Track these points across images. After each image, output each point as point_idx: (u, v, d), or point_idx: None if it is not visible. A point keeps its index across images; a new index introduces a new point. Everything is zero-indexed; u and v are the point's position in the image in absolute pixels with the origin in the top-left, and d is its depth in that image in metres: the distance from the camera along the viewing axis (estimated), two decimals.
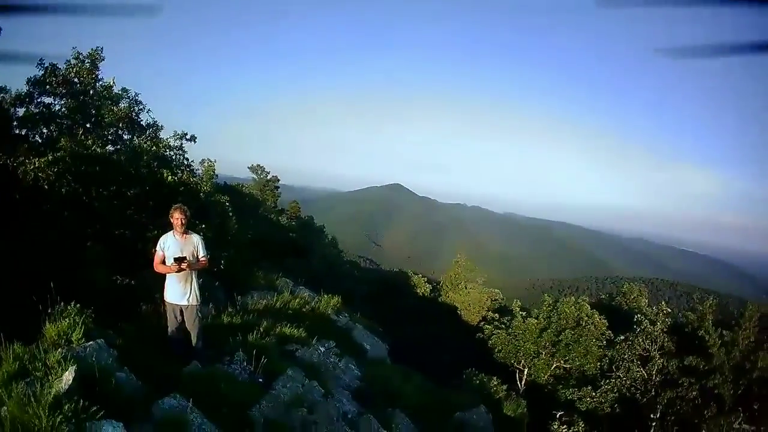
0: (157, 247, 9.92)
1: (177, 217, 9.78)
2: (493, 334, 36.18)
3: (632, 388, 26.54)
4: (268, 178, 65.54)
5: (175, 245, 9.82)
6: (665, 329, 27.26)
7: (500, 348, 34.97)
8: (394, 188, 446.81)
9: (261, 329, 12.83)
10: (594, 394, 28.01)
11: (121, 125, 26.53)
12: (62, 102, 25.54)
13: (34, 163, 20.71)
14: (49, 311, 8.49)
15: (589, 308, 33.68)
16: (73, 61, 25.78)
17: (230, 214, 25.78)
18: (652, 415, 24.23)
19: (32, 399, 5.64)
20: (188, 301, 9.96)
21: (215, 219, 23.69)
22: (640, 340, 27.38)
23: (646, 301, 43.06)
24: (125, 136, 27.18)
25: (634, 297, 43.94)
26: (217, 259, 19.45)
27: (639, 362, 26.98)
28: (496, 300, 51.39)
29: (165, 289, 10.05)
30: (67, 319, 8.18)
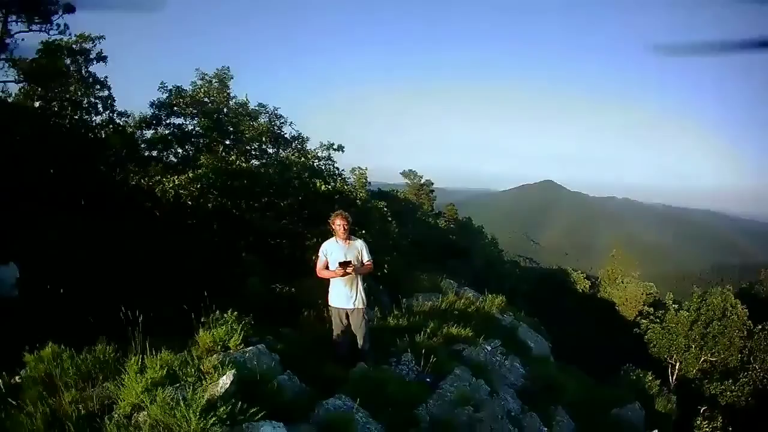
0: (320, 253, 9.74)
1: (339, 224, 9.48)
2: (649, 328, 35.28)
3: (764, 380, 26.47)
4: (422, 182, 64.98)
5: (339, 250, 9.51)
6: None
7: (655, 342, 34.02)
8: (546, 185, 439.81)
9: (428, 330, 12.38)
10: (733, 387, 27.34)
11: (264, 140, 26.49)
12: (194, 122, 25.88)
13: (173, 181, 20.84)
14: (203, 320, 8.30)
15: (733, 298, 32.38)
16: (199, 82, 26.15)
17: (389, 218, 25.15)
18: None
19: (181, 403, 5.20)
20: (354, 304, 9.64)
21: (375, 225, 23.36)
22: None
23: None
24: (270, 150, 27.28)
25: None
26: (380, 263, 18.97)
27: None
28: (650, 294, 48.26)
29: (329, 294, 9.83)
30: (223, 327, 7.89)
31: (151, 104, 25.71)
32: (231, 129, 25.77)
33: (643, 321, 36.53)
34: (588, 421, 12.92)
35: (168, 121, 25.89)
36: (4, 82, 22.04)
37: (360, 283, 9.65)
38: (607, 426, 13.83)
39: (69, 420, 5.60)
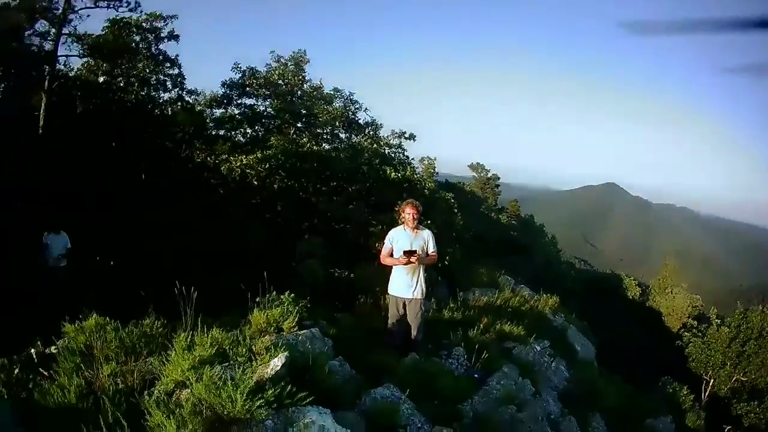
0: (386, 240, 9.54)
1: (409, 212, 9.30)
2: (690, 342, 33.70)
3: None
4: (489, 176, 64.75)
5: (405, 239, 9.33)
6: None
7: (694, 357, 32.50)
8: (609, 187, 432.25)
9: (480, 326, 12.11)
10: (757, 409, 26.23)
11: (337, 124, 26.47)
12: (266, 103, 25.93)
13: (241, 160, 21.01)
14: (258, 300, 8.09)
15: None
16: (274, 64, 26.19)
17: (455, 211, 24.93)
18: None
19: (228, 383, 4.98)
20: (413, 294, 9.43)
21: (440, 216, 23.03)
22: None
23: None
24: (342, 135, 27.21)
25: None
26: (442, 255, 18.30)
27: None
28: (696, 306, 46.14)
29: (390, 282, 9.65)
30: (279, 308, 7.73)
31: (223, 84, 25.85)
32: (304, 112, 25.78)
33: (686, 334, 35.68)
34: (621, 429, 12.77)
35: (239, 101, 26.04)
36: (67, 56, 21.93)
37: (422, 274, 9.47)
38: None
39: (105, 394, 5.48)
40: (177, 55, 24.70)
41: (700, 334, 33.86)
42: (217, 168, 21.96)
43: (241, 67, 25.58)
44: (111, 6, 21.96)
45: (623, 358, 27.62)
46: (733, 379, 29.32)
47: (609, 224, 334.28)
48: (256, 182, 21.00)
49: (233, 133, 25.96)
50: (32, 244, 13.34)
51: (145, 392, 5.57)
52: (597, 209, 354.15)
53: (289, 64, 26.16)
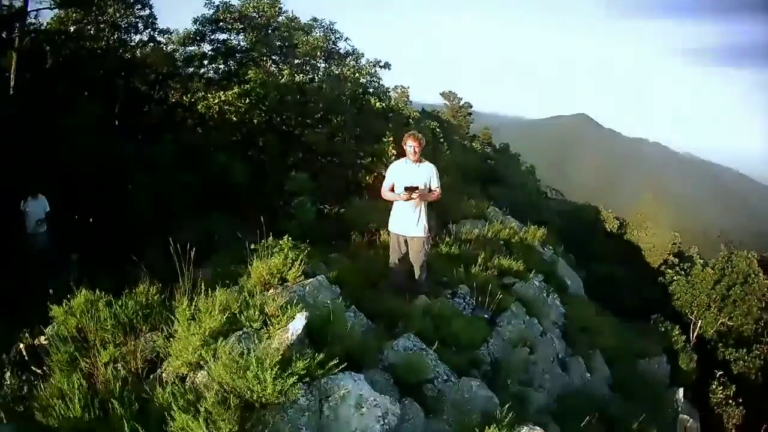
0: (387, 174, 9.23)
1: (411, 144, 8.81)
2: (674, 279, 33.14)
3: None
4: (461, 104, 63.96)
5: (407, 173, 8.87)
6: None
7: (678, 295, 32.19)
8: (579, 118, 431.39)
9: (480, 261, 11.69)
10: (746, 357, 26.40)
11: (318, 54, 25.34)
12: (240, 37, 24.75)
13: (219, 96, 19.97)
14: (253, 246, 7.35)
15: (756, 264, 30.72)
16: None
17: (441, 140, 24.28)
18: None
19: (252, 360, 4.21)
20: (416, 231, 8.97)
21: (427, 146, 21.38)
22: None
23: None
24: (320, 65, 26.09)
25: None
26: None
27: None
28: (675, 243, 45.26)
29: (391, 218, 9.24)
30: (280, 255, 6.98)
31: (194, 20, 24.41)
32: (281, 43, 24.75)
33: (669, 271, 34.65)
34: (620, 369, 12.72)
35: (212, 37, 24.76)
36: (38, 9, 20.07)
37: (424, 210, 8.94)
38: (635, 377, 13.34)
39: (108, 388, 4.58)
40: None
41: (682, 272, 33.33)
42: (193, 106, 21.02)
43: (214, 2, 24.19)
44: None
45: (608, 292, 27.91)
46: (719, 322, 29.74)
47: (581, 155, 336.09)
48: (235, 118, 20.13)
49: (207, 69, 24.87)
50: (11, 212, 12.48)
51: (153, 376, 4.84)
52: (568, 139, 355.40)
53: None
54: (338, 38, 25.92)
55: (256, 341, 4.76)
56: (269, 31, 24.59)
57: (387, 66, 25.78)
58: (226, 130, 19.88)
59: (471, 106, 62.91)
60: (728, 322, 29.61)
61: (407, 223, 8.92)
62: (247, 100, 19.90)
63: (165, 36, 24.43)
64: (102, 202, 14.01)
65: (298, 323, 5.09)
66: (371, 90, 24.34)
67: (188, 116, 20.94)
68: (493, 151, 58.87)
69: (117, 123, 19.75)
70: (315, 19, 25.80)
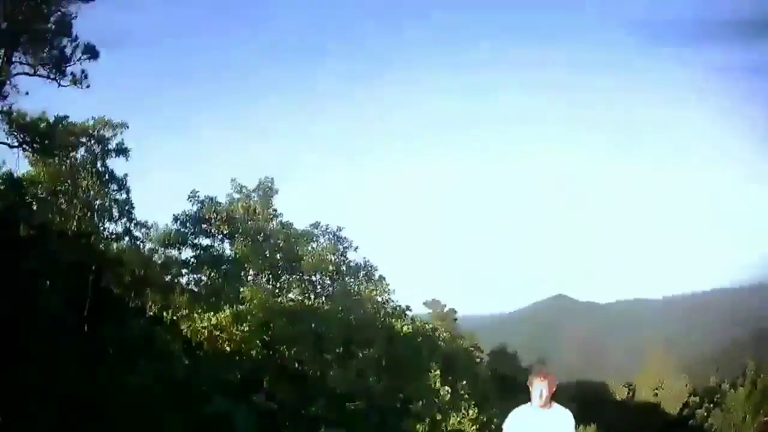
0: (505, 427, 5.62)
1: (539, 386, 5.47)
2: (709, 415, 36.68)
3: None
4: (445, 311, 61.69)
5: (531, 422, 5.59)
6: None
7: (716, 426, 35.34)
8: (558, 300, 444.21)
9: None
10: None
11: (329, 268, 22.58)
12: (226, 244, 22.59)
13: (208, 319, 16.93)
14: None
15: None
16: (236, 195, 22.60)
17: (477, 359, 21.41)
18: None
19: None
20: None
21: (468, 371, 20.47)
22: None
23: None
24: (328, 281, 22.99)
25: None
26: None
27: None
28: (687, 386, 47.08)
29: None
30: None
31: (175, 218, 21.79)
32: (280, 254, 22.04)
33: (699, 411, 38.03)
34: None
35: (195, 242, 22.06)
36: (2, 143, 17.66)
37: None
38: None
39: None
40: (126, 176, 20.47)
41: (711, 404, 37.24)
42: (175, 326, 17.52)
43: (199, 197, 21.75)
44: (53, 76, 17.65)
45: None
46: (755, 424, 32.14)
47: (564, 336, 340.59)
48: (228, 348, 16.69)
49: (189, 278, 21.77)
50: None
51: None
52: (550, 325, 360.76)
53: (255, 194, 22.54)
54: (347, 248, 23.17)
55: None
56: (261, 239, 21.98)
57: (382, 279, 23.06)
58: (218, 362, 16.39)
59: (456, 312, 61.54)
60: (764, 418, 31.75)
61: None
62: (245, 327, 16.60)
63: (142, 230, 21.17)
64: None
65: None
66: (389, 310, 21.69)
67: (171, 340, 17.10)
68: (492, 357, 57.29)
69: (86, 328, 15.87)
70: (316, 225, 23.23)
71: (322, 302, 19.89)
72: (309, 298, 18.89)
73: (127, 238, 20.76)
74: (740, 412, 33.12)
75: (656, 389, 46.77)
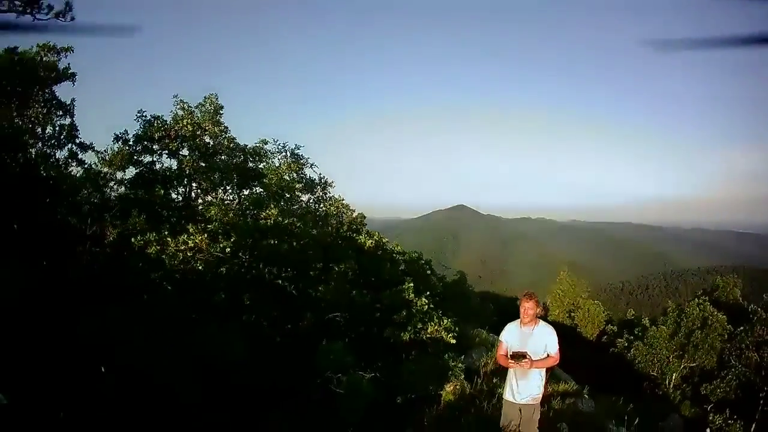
0: (501, 336, 8.73)
1: (526, 306, 8.32)
2: (631, 346, 38.00)
3: (747, 374, 30.09)
4: (355, 215, 61.82)
5: (517, 337, 8.47)
6: None
7: (639, 359, 36.74)
8: (458, 210, 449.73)
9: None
10: (722, 385, 30.59)
11: (296, 186, 22.88)
12: (173, 161, 21.76)
13: (183, 242, 16.53)
14: None
15: (710, 307, 35.27)
16: (180, 113, 21.49)
17: (428, 272, 22.35)
18: (761, 396, 27.67)
19: None
20: (525, 399, 8.57)
21: (422, 280, 21.37)
22: (757, 327, 31.19)
23: (739, 291, 44.28)
24: (302, 198, 23.47)
25: (729, 289, 44.20)
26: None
27: (754, 348, 30.68)
28: (605, 313, 51.31)
29: (505, 385, 8.94)
30: None
31: (116, 137, 20.85)
32: (239, 171, 21.63)
33: (620, 340, 39.75)
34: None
35: (147, 159, 21.25)
36: None
37: (540, 376, 8.61)
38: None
39: None
40: (73, 100, 19.93)
41: (632, 336, 39.24)
42: (142, 252, 16.72)
43: (145, 115, 20.86)
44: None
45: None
46: (682, 367, 34.46)
47: (463, 245, 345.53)
48: (201, 269, 16.40)
49: (147, 198, 20.29)
50: None
51: None
52: (448, 232, 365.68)
53: (206, 105, 21.62)
54: (303, 164, 23.24)
55: None
56: (212, 154, 21.63)
57: (331, 184, 23.82)
58: (199, 286, 16.17)
59: (365, 217, 61.52)
60: (691, 365, 34.49)
61: (516, 389, 8.59)
62: (227, 246, 16.51)
63: (87, 152, 20.43)
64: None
65: None
66: (349, 225, 22.52)
67: (146, 267, 16.41)
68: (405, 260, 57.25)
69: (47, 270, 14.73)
70: (264, 141, 22.85)
71: (294, 221, 19.54)
72: (281, 217, 18.39)
73: (74, 163, 20.02)
74: (664, 351, 34.89)
75: (570, 311, 49.43)
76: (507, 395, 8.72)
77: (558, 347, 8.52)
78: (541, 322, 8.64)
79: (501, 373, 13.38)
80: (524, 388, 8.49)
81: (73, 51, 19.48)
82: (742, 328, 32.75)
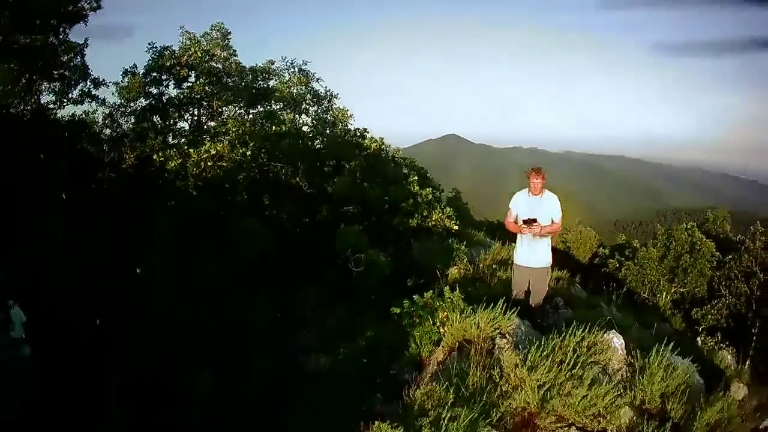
0: (510, 205, 9.53)
1: (535, 182, 9.12)
2: (623, 266, 37.86)
3: (737, 304, 29.85)
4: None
5: (529, 206, 9.15)
6: (763, 246, 30.34)
7: (629, 279, 36.40)
8: (450, 139, 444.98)
9: None
10: (713, 311, 30.58)
11: (306, 98, 23.96)
12: (186, 85, 22.58)
13: (207, 150, 18.15)
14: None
15: (699, 233, 35.97)
16: (186, 42, 22.53)
17: (428, 175, 23.41)
18: (753, 330, 26.94)
19: None
20: (539, 263, 9.33)
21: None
22: (745, 257, 30.79)
23: (729, 226, 44.62)
24: (311, 109, 24.25)
25: (720, 222, 44.74)
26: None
27: (743, 279, 30.22)
28: (597, 237, 49.93)
29: (515, 251, 9.60)
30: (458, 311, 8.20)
31: (125, 72, 21.87)
32: (250, 89, 22.82)
33: (611, 261, 39.58)
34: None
35: (156, 90, 22.36)
36: None
37: (547, 242, 9.39)
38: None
39: None
40: (86, 39, 19.72)
41: (623, 258, 38.84)
42: (165, 165, 18.36)
43: (156, 47, 21.85)
44: None
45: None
46: (672, 291, 33.85)
47: (455, 173, 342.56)
48: (222, 173, 18.06)
49: (159, 122, 22.25)
50: None
51: None
52: (439, 161, 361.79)
53: (213, 33, 22.78)
54: (310, 79, 24.15)
55: None
56: (223, 77, 22.73)
57: (336, 96, 24.48)
58: (221, 189, 17.74)
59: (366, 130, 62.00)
60: (681, 289, 34.25)
61: (530, 254, 9.20)
62: (247, 150, 18.14)
63: (99, 88, 20.89)
64: (109, 295, 10.88)
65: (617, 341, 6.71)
66: (353, 131, 22.80)
67: (177, 177, 18.05)
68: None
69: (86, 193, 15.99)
70: (272, 61, 23.88)
71: (306, 123, 21.82)
72: (294, 125, 20.23)
73: (87, 99, 20.53)
74: (655, 273, 35.39)
75: (564, 239, 47.66)
76: (519, 260, 9.33)
77: (560, 214, 9.32)
78: (547, 192, 9.31)
79: (501, 263, 14.82)
80: (537, 253, 9.19)
81: None
82: (730, 256, 33.04)
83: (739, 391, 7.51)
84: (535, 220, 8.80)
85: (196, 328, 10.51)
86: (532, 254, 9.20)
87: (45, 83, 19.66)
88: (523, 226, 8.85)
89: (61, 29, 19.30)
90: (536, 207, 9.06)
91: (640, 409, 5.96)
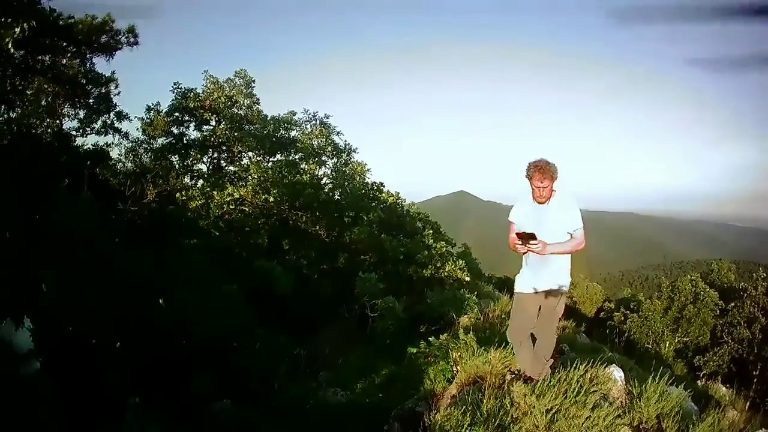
0: (510, 217, 6.85)
1: (540, 186, 6.28)
2: (628, 318, 37.59)
3: (739, 350, 30.67)
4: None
5: (528, 214, 6.54)
6: (765, 291, 31.23)
7: (634, 330, 36.47)
8: (458, 195, 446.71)
9: None
10: (715, 358, 31.06)
11: (327, 150, 24.41)
12: (207, 128, 23.71)
13: (229, 194, 19.06)
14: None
15: (702, 283, 36.16)
16: (210, 86, 23.57)
17: (441, 230, 24.01)
18: (754, 372, 27.33)
19: None
20: (547, 285, 6.50)
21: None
22: (747, 303, 31.67)
23: (734, 276, 43.81)
24: (329, 162, 24.83)
25: (724, 273, 43.96)
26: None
27: (745, 325, 31.07)
28: (602, 292, 50.00)
29: (516, 277, 6.83)
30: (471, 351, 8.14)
31: (149, 108, 22.93)
32: (271, 138, 23.65)
33: (617, 314, 39.46)
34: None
35: (180, 130, 23.47)
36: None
37: (560, 260, 6.59)
38: None
39: None
40: (113, 73, 20.55)
41: (628, 310, 38.53)
42: (187, 205, 19.48)
43: (181, 87, 22.94)
44: None
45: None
46: (676, 340, 34.42)
47: (463, 231, 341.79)
48: (249, 219, 19.15)
49: (179, 162, 23.28)
50: None
51: None
52: (449, 217, 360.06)
53: (237, 79, 23.90)
54: (330, 132, 24.87)
55: None
56: (245, 124, 23.73)
57: (354, 150, 25.02)
58: (243, 232, 18.82)
59: (383, 183, 62.97)
60: (684, 339, 34.45)
61: (536, 279, 6.60)
62: (270, 197, 19.01)
63: (122, 122, 21.57)
64: (131, 322, 10.68)
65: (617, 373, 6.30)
66: (371, 185, 23.75)
67: (203, 217, 19.13)
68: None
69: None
70: (293, 112, 24.64)
71: (327, 175, 22.61)
72: (316, 175, 21.13)
73: (110, 131, 21.17)
74: (659, 324, 35.21)
75: (570, 294, 49.30)
76: (520, 286, 6.72)
77: (582, 225, 6.50)
78: (559, 195, 6.51)
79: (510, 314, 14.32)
80: (546, 276, 6.54)
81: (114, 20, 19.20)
82: (733, 304, 33.15)
83: (733, 415, 6.92)
84: (533, 236, 6.16)
85: (218, 358, 10.66)
86: (542, 278, 6.54)
87: (68, 108, 20.44)
88: (517, 242, 6.27)
89: (89, 57, 19.83)
90: (542, 217, 6.50)
91: (638, 429, 6.08)
